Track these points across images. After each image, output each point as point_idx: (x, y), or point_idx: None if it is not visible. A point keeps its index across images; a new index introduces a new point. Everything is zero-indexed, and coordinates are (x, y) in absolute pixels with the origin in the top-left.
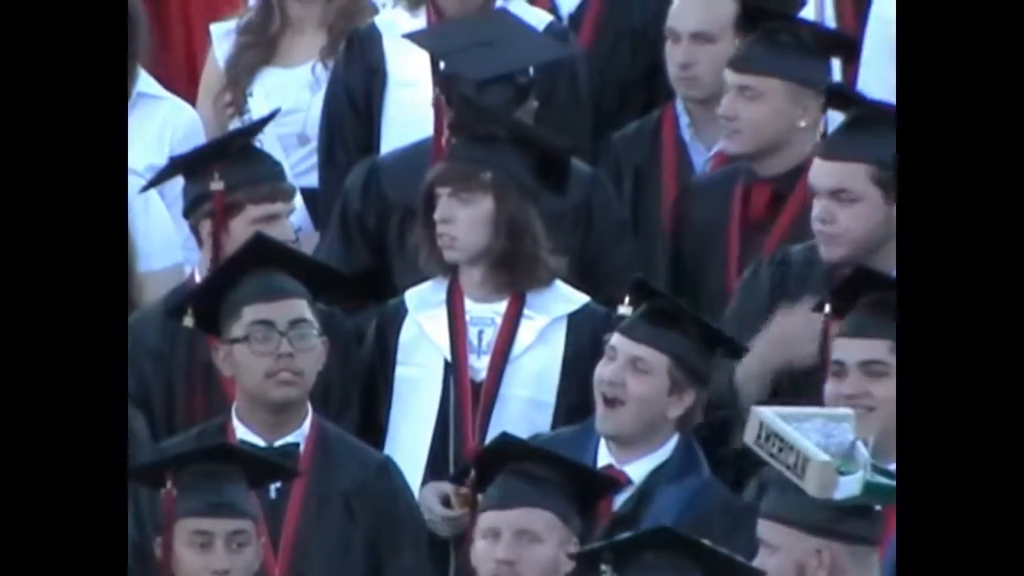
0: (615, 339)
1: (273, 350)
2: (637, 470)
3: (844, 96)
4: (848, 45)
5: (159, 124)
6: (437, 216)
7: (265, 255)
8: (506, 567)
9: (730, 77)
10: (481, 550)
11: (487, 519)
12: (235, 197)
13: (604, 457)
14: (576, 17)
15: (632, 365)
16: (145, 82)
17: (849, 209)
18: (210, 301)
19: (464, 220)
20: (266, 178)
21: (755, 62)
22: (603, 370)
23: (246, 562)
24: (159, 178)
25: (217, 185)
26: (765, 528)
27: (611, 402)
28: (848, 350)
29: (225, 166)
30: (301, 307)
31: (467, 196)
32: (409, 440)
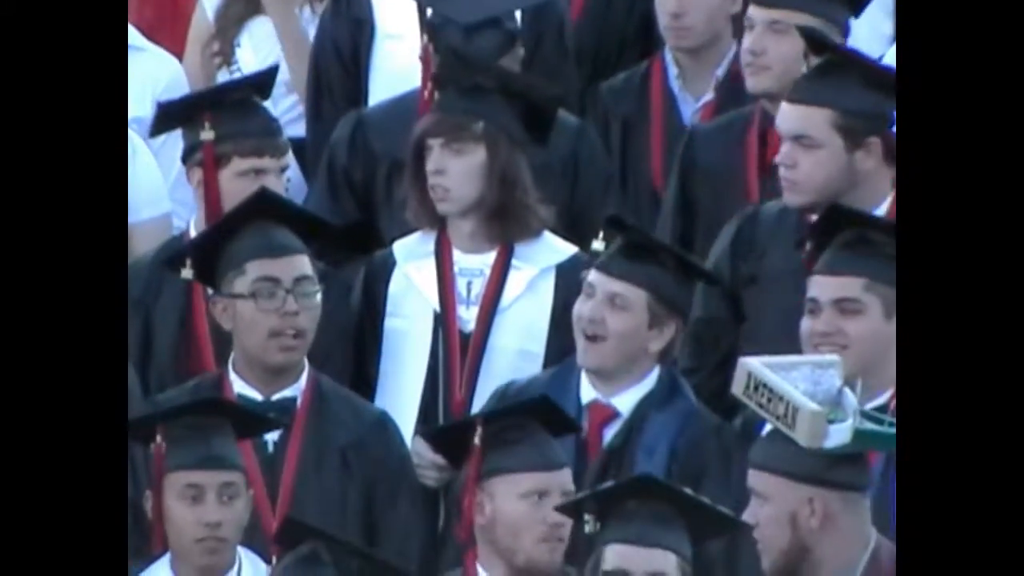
0: (592, 276)
1: (278, 307)
2: (624, 401)
3: (820, 42)
4: None
5: (143, 76)
6: (429, 167)
7: (268, 209)
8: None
9: (757, 13)
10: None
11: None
12: (223, 148)
13: (588, 392)
14: None
15: (611, 301)
16: (129, 34)
17: (810, 155)
18: (209, 253)
19: (457, 171)
20: (256, 132)
21: None
22: (582, 307)
23: (237, 514)
24: (156, 126)
25: (207, 135)
26: (756, 478)
27: (592, 338)
28: (822, 287)
29: (217, 116)
30: (304, 264)
31: (459, 147)
32: (400, 392)
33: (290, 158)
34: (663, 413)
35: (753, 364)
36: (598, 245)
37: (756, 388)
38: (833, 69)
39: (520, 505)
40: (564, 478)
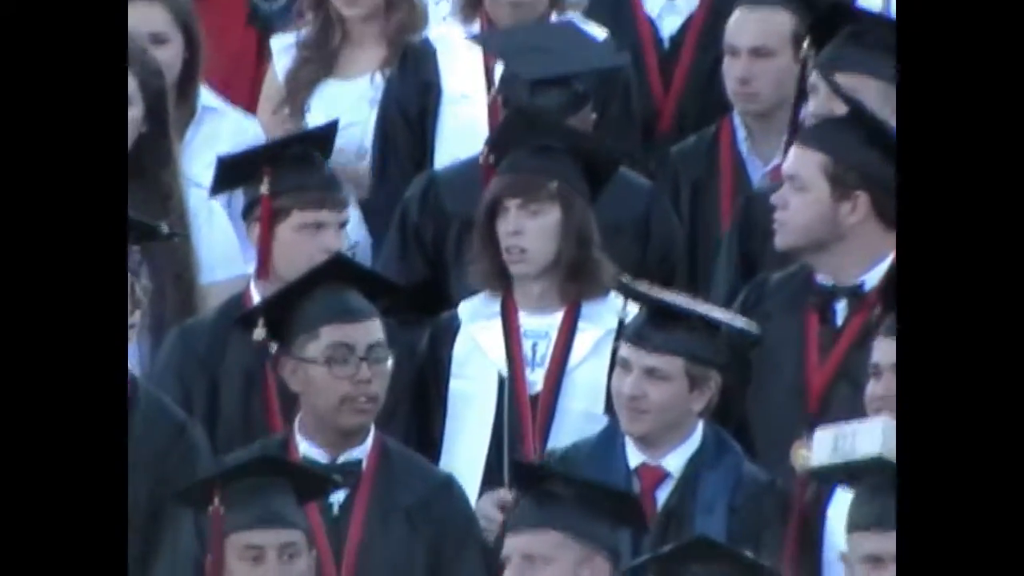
0: (625, 350)
1: (351, 374)
2: (673, 462)
3: (843, 96)
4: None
5: (225, 138)
6: (507, 228)
7: (342, 272)
8: None
9: (820, 80)
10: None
11: (505, 545)
12: (282, 202)
13: (635, 456)
14: (677, 38)
15: (649, 375)
16: (207, 96)
17: (798, 197)
18: (281, 313)
19: (534, 231)
20: (316, 186)
21: (849, 63)
22: (620, 384)
23: (299, 572)
24: (216, 182)
25: (264, 188)
26: None
27: (635, 411)
28: (884, 351)
29: (275, 171)
30: (377, 329)
31: (536, 207)
32: (464, 454)
33: (351, 214)
34: (716, 470)
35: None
36: (622, 313)
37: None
38: (842, 120)
39: None
40: None
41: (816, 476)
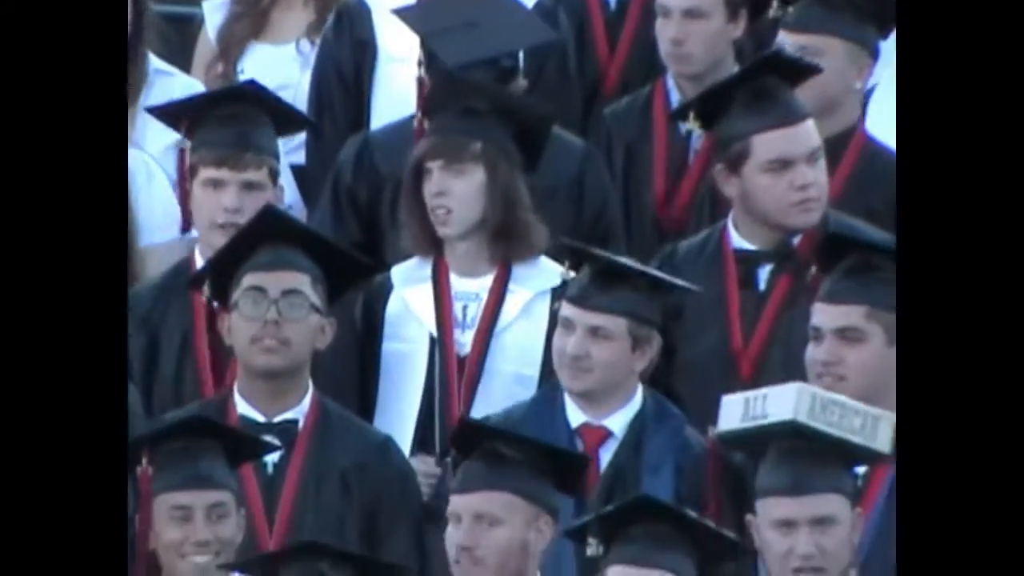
0: (567, 310)
1: (261, 316)
2: (616, 422)
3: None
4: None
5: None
6: (431, 190)
7: (278, 230)
8: (465, 552)
9: (788, 38)
10: (448, 535)
11: (452, 504)
12: (194, 158)
13: (576, 416)
14: (624, 1)
15: (592, 334)
16: (156, 60)
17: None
18: (223, 272)
19: (458, 192)
20: (221, 143)
21: (814, 22)
22: (562, 342)
23: (227, 533)
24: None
25: (183, 144)
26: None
27: (578, 370)
28: (824, 315)
29: (194, 126)
30: (299, 279)
31: (459, 168)
32: (397, 415)
33: (280, 178)
34: (659, 432)
35: (813, 387)
36: (565, 274)
37: (824, 408)
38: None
39: None
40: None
41: (725, 441)
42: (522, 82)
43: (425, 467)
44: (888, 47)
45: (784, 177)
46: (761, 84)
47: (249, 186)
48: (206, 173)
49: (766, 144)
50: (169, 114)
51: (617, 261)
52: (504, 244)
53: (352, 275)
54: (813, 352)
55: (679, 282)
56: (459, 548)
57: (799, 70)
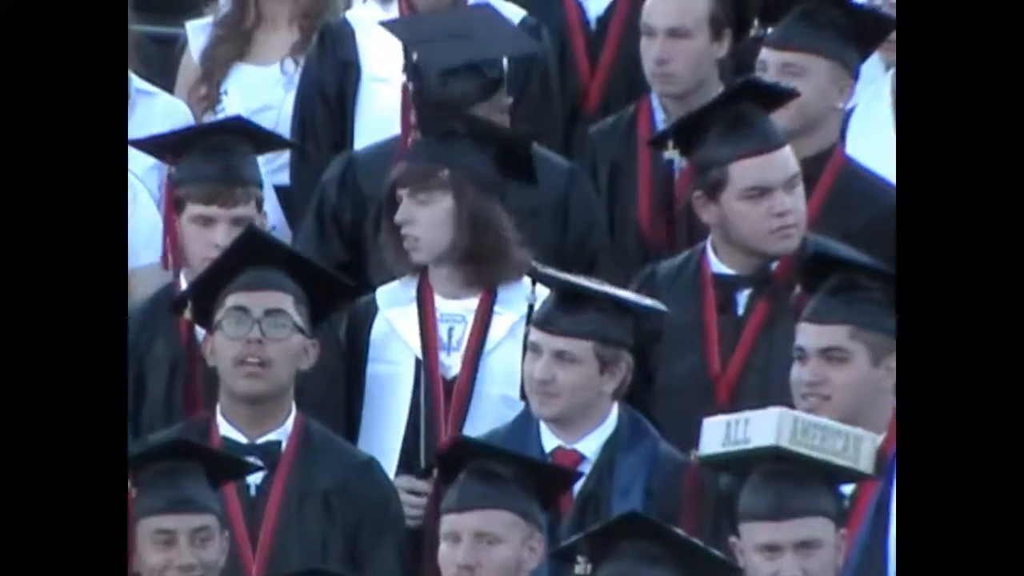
0: (534, 334)
1: (243, 335)
2: (588, 446)
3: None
4: (882, 26)
5: (157, 120)
6: (398, 218)
7: (261, 252)
8: (467, 571)
9: (771, 56)
10: (443, 554)
11: (447, 522)
12: (179, 192)
13: (550, 440)
14: (604, 19)
15: (559, 359)
16: (137, 80)
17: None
18: (206, 294)
19: (424, 220)
20: (209, 179)
21: (798, 39)
22: (531, 367)
23: (211, 556)
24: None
25: (167, 177)
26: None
27: (546, 395)
28: (808, 335)
29: (178, 159)
30: (282, 299)
31: (425, 196)
32: (381, 437)
33: (267, 206)
34: (631, 453)
35: (794, 412)
36: (531, 298)
37: (805, 431)
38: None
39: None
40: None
41: (706, 463)
42: (507, 98)
43: (410, 485)
44: (869, 68)
45: (762, 204)
46: (738, 111)
47: (238, 221)
48: (195, 209)
49: (743, 172)
50: (154, 147)
51: (577, 284)
52: (477, 268)
53: (335, 296)
54: (798, 372)
55: (643, 302)
56: (460, 567)
57: (776, 96)
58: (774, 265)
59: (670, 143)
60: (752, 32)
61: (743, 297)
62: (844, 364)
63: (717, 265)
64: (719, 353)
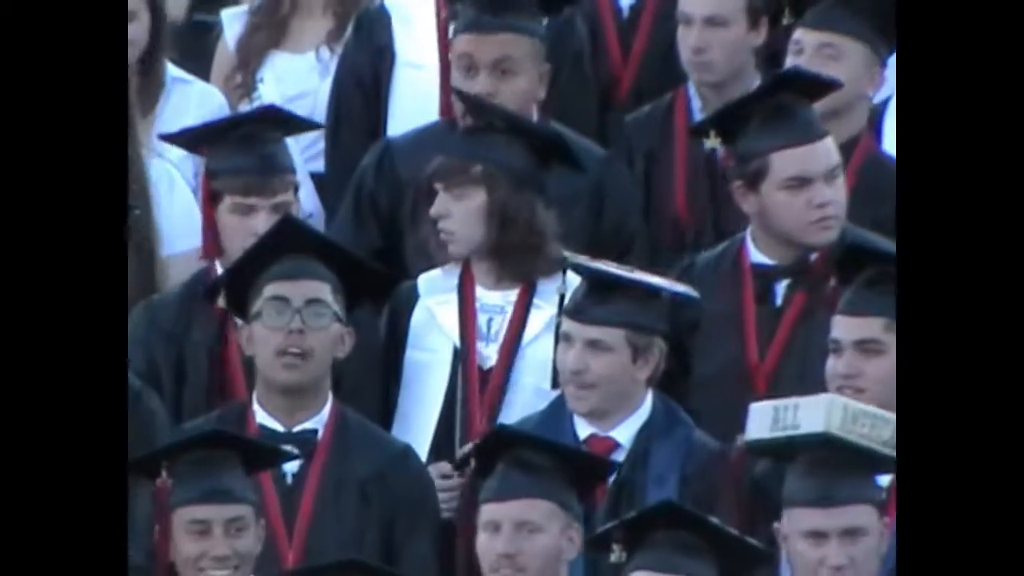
0: (566, 324)
1: (284, 325)
2: (623, 433)
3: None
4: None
5: (192, 108)
6: (433, 211)
7: (297, 239)
8: (507, 560)
9: (807, 36)
10: (483, 543)
11: (487, 512)
12: (217, 184)
13: (584, 428)
14: (637, 7)
15: (591, 348)
16: (172, 68)
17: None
18: (241, 282)
19: (459, 214)
20: (247, 170)
21: (835, 21)
22: (564, 358)
23: (246, 546)
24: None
25: (203, 169)
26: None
27: (580, 387)
28: (844, 328)
29: (213, 151)
30: (320, 289)
31: (459, 191)
32: (416, 424)
33: (302, 193)
34: (666, 441)
35: (844, 399)
36: (562, 288)
37: (855, 419)
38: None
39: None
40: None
41: (753, 450)
42: (546, 64)
43: (441, 472)
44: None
45: (802, 195)
46: (780, 101)
47: (277, 208)
48: (234, 199)
49: (784, 162)
50: (185, 140)
51: (607, 272)
52: (510, 262)
53: (369, 285)
54: (833, 365)
55: (675, 288)
56: (500, 556)
57: (818, 86)
58: (813, 256)
59: (711, 132)
60: (784, 21)
61: (781, 288)
62: (879, 356)
63: (756, 255)
64: (757, 343)
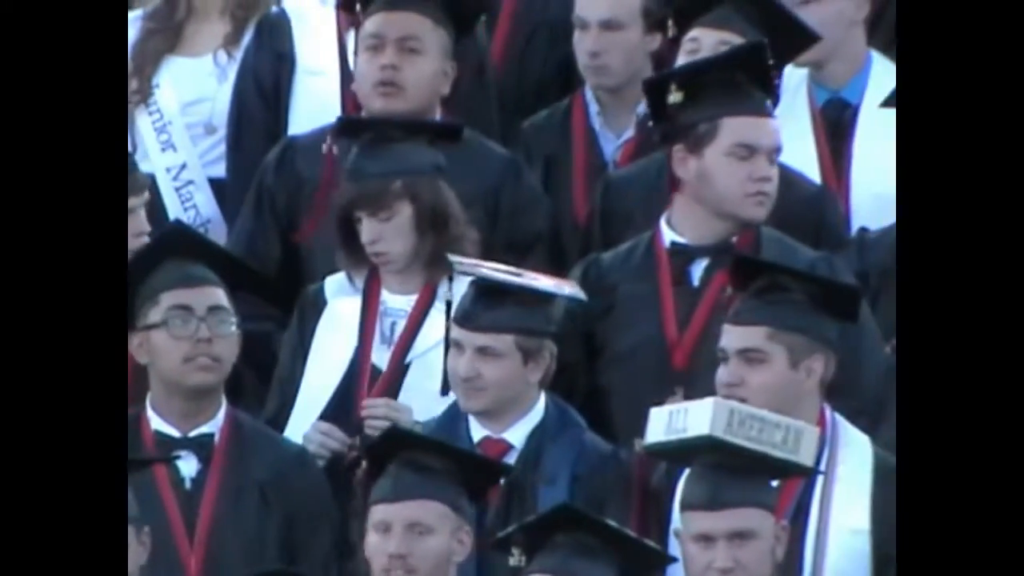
0: (455, 331)
1: (191, 334)
2: (515, 435)
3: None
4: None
5: None
6: (364, 239)
7: (182, 245)
8: (398, 561)
9: (704, 35)
10: (374, 544)
11: (378, 512)
12: None
13: (478, 430)
14: (492, 11)
15: (481, 354)
16: None
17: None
18: (130, 290)
19: (390, 235)
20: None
21: (735, 22)
22: (455, 363)
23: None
24: None
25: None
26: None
27: (472, 390)
28: (729, 337)
29: None
30: (219, 295)
31: (385, 213)
32: (304, 425)
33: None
34: (558, 442)
35: (731, 402)
36: (446, 292)
37: (742, 422)
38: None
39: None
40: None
41: (649, 453)
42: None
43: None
44: (787, 79)
45: (745, 166)
46: (740, 73)
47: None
48: None
49: (735, 128)
50: None
51: (488, 278)
52: (438, 263)
53: (257, 289)
54: (720, 373)
55: (562, 291)
56: (391, 557)
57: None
58: (734, 238)
59: (673, 86)
60: (669, 34)
61: (699, 269)
62: (761, 365)
63: (672, 235)
64: (676, 321)
